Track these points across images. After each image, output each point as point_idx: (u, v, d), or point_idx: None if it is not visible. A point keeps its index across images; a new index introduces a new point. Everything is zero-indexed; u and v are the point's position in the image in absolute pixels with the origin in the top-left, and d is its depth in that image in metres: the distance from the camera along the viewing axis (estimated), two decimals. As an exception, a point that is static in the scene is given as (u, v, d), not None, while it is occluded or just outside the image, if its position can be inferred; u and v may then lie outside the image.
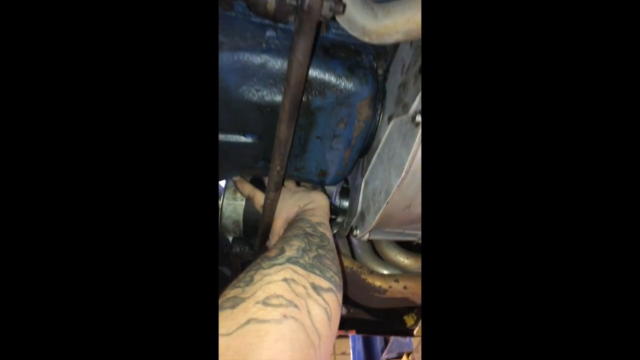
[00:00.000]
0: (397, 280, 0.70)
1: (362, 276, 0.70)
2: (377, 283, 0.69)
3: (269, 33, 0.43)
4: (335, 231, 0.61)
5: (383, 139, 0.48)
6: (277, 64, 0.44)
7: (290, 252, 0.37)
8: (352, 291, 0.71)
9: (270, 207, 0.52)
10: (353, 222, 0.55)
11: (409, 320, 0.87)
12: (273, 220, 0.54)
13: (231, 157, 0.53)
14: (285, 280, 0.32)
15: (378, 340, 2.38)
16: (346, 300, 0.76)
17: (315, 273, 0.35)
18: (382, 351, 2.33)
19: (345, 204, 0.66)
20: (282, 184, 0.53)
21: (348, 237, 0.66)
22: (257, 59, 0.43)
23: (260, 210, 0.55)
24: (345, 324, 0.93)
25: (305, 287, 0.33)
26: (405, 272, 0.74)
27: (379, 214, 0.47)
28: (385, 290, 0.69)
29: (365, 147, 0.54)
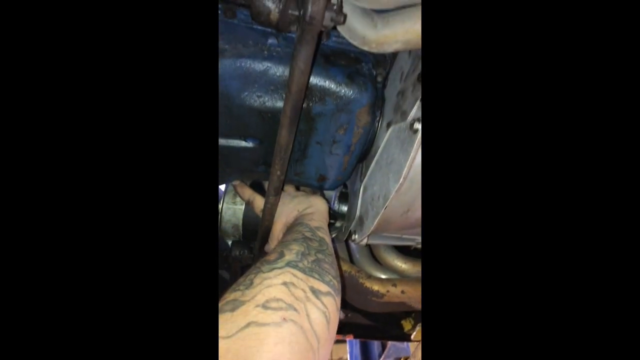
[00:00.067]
0: (394, 285, 0.70)
1: (360, 280, 0.70)
2: (375, 287, 0.70)
3: (271, 40, 0.44)
4: (334, 235, 0.62)
5: (382, 145, 0.49)
6: (279, 70, 0.44)
7: (289, 256, 0.37)
8: (350, 295, 0.71)
9: (270, 211, 0.53)
10: (352, 227, 0.56)
11: (407, 324, 0.87)
12: (272, 224, 0.55)
13: (232, 162, 0.54)
14: (284, 284, 0.33)
15: (375, 345, 2.37)
16: (344, 305, 0.76)
17: (314, 277, 0.35)
18: (380, 356, 2.32)
19: (344, 208, 0.66)
20: (282, 189, 0.54)
21: (346, 241, 0.67)
22: (259, 66, 0.44)
23: (260, 214, 0.55)
24: (343, 329, 0.93)
25: (304, 291, 0.33)
26: (402, 276, 0.75)
27: (377, 218, 0.47)
28: (383, 295, 0.70)
29: (364, 153, 0.55)
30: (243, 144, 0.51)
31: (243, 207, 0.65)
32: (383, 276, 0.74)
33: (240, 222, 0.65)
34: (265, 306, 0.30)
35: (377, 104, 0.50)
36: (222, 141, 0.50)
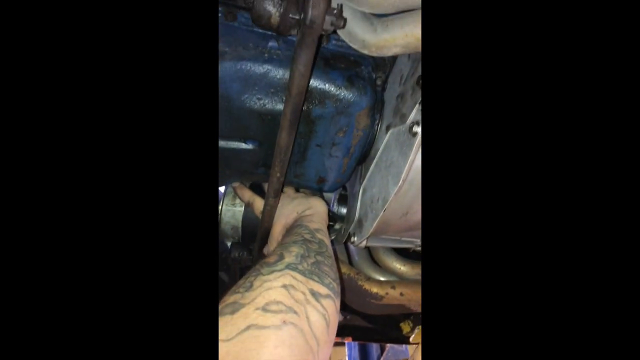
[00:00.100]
0: (393, 287, 0.70)
1: (359, 282, 0.70)
2: (374, 289, 0.70)
3: (271, 43, 0.45)
4: (333, 237, 0.62)
5: (381, 148, 0.49)
6: (279, 73, 0.45)
7: (289, 259, 0.37)
8: (349, 297, 0.71)
9: (269, 213, 0.53)
10: (351, 229, 0.56)
11: (405, 327, 0.87)
12: (272, 226, 0.55)
13: (232, 163, 0.54)
14: (284, 286, 0.33)
15: (374, 347, 2.37)
16: (343, 307, 0.76)
17: (313, 279, 0.36)
18: (378, 359, 2.31)
19: (343, 210, 0.66)
20: (282, 190, 0.54)
21: (346, 243, 0.67)
22: (260, 69, 0.44)
23: (260, 216, 0.55)
24: (342, 331, 0.93)
25: (304, 294, 0.33)
26: (401, 279, 0.75)
27: (377, 221, 0.47)
28: (381, 297, 0.70)
29: (364, 156, 0.55)
30: (243, 145, 0.52)
31: (242, 209, 0.65)
32: (382, 278, 0.74)
33: (240, 223, 0.65)
34: (265, 309, 0.30)
35: (377, 107, 0.50)
36: (222, 143, 0.50)
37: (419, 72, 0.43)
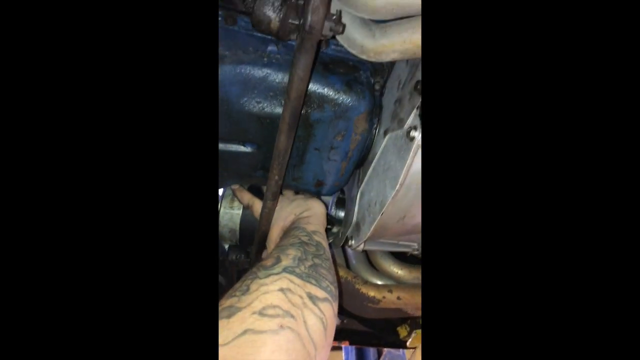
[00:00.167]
0: (390, 291, 0.70)
1: (357, 286, 0.70)
2: (371, 293, 0.70)
3: (271, 47, 0.45)
4: (330, 241, 0.62)
5: (379, 152, 0.49)
6: (278, 77, 0.45)
7: (286, 262, 0.37)
8: (346, 301, 0.71)
9: (267, 216, 0.53)
10: (348, 233, 0.56)
11: (402, 331, 0.87)
12: (270, 228, 0.55)
13: (230, 166, 0.54)
14: (281, 290, 0.33)
15: (371, 352, 2.36)
16: (340, 311, 0.76)
17: (311, 282, 0.35)
18: (375, 363, 2.30)
19: (341, 214, 0.67)
20: (281, 193, 0.54)
21: (343, 247, 0.67)
22: (259, 72, 0.44)
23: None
24: (339, 335, 0.93)
25: (301, 297, 0.33)
26: (399, 282, 0.75)
27: (374, 224, 0.48)
28: (379, 301, 0.70)
29: (362, 160, 0.55)
30: (242, 148, 0.52)
31: (240, 211, 0.65)
32: (379, 282, 0.74)
33: (238, 226, 0.65)
34: (262, 313, 0.30)
35: (375, 112, 0.51)
36: (221, 146, 0.51)
37: (416, 77, 0.44)
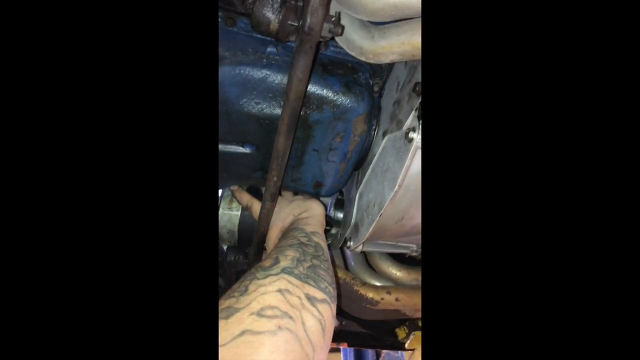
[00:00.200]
0: (389, 292, 0.70)
1: (355, 287, 0.70)
2: (370, 294, 0.70)
3: (270, 49, 0.45)
4: (329, 242, 0.62)
5: (377, 154, 0.49)
6: (277, 78, 0.45)
7: (284, 262, 0.37)
8: (344, 302, 0.71)
9: (266, 217, 0.53)
10: (347, 234, 0.56)
11: (401, 333, 0.87)
12: (269, 229, 0.55)
13: (229, 167, 0.54)
14: (280, 291, 0.33)
15: (370, 353, 2.35)
16: (339, 312, 0.76)
17: (309, 284, 0.35)
18: (374, 365, 2.29)
19: (340, 215, 0.67)
20: (280, 194, 0.54)
21: (342, 248, 0.67)
22: (258, 74, 0.44)
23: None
24: (337, 337, 0.93)
25: (299, 298, 0.33)
26: (397, 284, 0.75)
27: (373, 226, 0.48)
28: (377, 302, 0.70)
29: (360, 161, 0.55)
30: (240, 149, 0.52)
31: (239, 212, 0.65)
32: (377, 284, 0.74)
33: (236, 228, 0.65)
34: (260, 314, 0.29)
35: (374, 113, 0.51)
36: (220, 146, 0.51)
37: (415, 79, 0.44)
